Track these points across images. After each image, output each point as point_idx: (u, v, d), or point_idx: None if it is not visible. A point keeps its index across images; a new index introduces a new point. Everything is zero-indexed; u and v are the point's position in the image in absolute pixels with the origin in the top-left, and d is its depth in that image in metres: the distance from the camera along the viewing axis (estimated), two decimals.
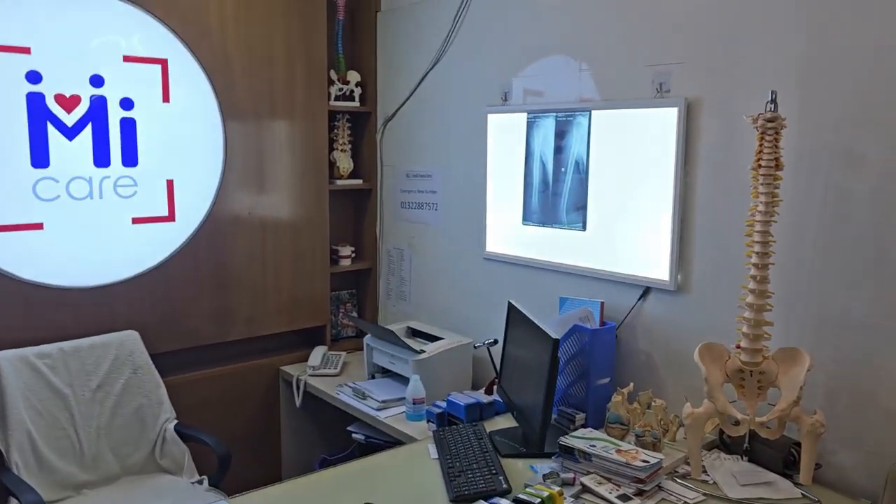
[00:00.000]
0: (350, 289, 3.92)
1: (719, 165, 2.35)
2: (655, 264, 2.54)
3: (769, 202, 2.01)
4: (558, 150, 2.82)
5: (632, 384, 2.47)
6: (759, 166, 2.02)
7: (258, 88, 3.27)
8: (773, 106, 2.02)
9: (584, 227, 2.76)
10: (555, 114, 2.82)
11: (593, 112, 2.69)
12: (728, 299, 2.35)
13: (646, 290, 2.59)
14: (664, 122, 2.48)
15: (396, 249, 3.72)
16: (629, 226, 2.61)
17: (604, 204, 2.69)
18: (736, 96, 2.29)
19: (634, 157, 2.57)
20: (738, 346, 2.10)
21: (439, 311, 3.49)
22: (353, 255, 3.85)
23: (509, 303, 2.66)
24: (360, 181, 3.77)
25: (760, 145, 2.03)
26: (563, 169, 2.82)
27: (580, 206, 2.76)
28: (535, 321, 2.29)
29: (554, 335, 2.13)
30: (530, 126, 2.92)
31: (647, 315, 2.60)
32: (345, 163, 3.73)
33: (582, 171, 2.75)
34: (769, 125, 2.00)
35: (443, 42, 3.32)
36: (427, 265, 3.55)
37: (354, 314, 3.91)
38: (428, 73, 3.42)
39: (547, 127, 2.86)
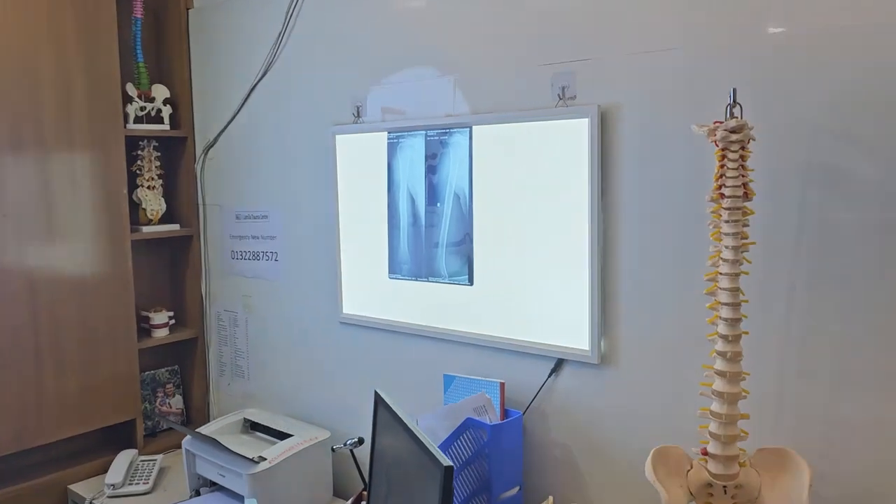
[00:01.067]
0: (170, 365, 3.02)
1: (653, 195, 1.74)
2: (570, 328, 1.89)
3: (737, 246, 1.40)
4: (431, 178, 2.13)
5: (550, 498, 1.79)
6: (722, 196, 1.41)
7: (16, 111, 2.36)
8: (736, 110, 1.43)
9: (470, 281, 2.08)
10: (424, 132, 2.13)
11: (475, 128, 2.03)
12: (671, 372, 1.73)
13: (558, 362, 1.93)
14: (572, 138, 1.84)
15: (228, 312, 2.88)
16: (532, 277, 1.95)
17: (496, 249, 2.02)
18: (671, 100, 1.69)
19: (535, 185, 1.92)
20: (705, 452, 1.47)
21: (287, 392, 2.69)
22: (172, 321, 2.96)
23: (376, 394, 1.91)
24: (175, 226, 2.91)
25: (721, 166, 1.42)
26: (437, 204, 2.12)
27: (464, 253, 2.08)
28: (415, 431, 1.56)
29: (445, 461, 1.41)
30: (392, 149, 2.22)
31: (563, 395, 1.94)
32: (154, 203, 2.86)
33: (464, 206, 2.07)
34: (733, 138, 1.39)
35: (273, 45, 2.56)
36: (269, 332, 2.74)
37: (179, 398, 3.02)
38: (256, 84, 2.64)
39: (414, 149, 2.16)
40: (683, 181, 1.69)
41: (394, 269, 2.25)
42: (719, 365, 1.42)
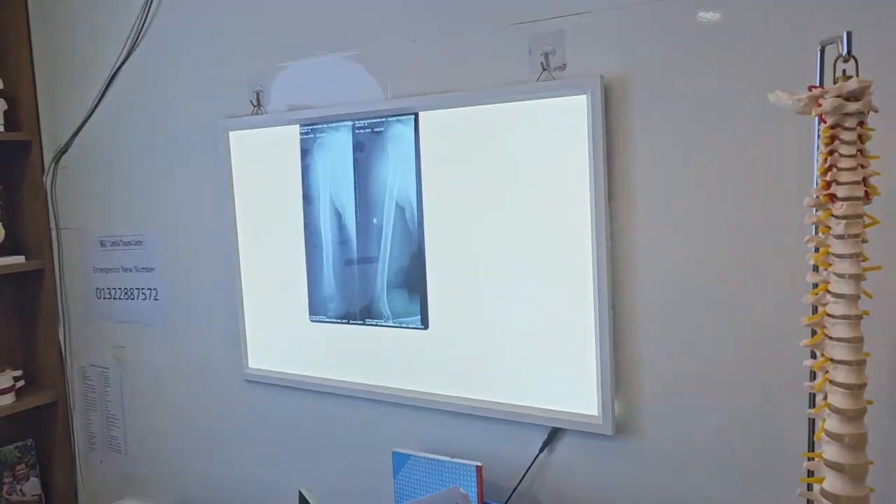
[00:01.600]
0: (21, 440, 2.32)
1: (682, 197, 1.24)
2: (569, 385, 1.37)
3: (857, 274, 0.91)
4: (363, 185, 1.57)
5: None
6: (833, 199, 0.92)
7: None
8: (850, 67, 0.94)
9: (423, 323, 1.52)
10: (350, 122, 1.57)
11: (422, 115, 1.48)
12: (719, 441, 1.24)
13: (554, 432, 1.41)
14: (562, 122, 1.33)
15: (97, 368, 2.21)
16: (512, 314, 1.42)
17: (459, 277, 1.47)
18: (707, 63, 1.20)
19: (511, 188, 1.39)
20: None
21: (176, 472, 2.05)
22: (21, 383, 2.26)
23: (301, 498, 1.33)
24: (20, 259, 2.21)
25: (830, 153, 0.93)
26: (373, 219, 1.56)
27: (414, 285, 1.52)
28: None
29: None
30: (308, 146, 1.64)
31: (561, 477, 1.41)
32: None
33: (411, 221, 1.51)
34: (850, 108, 0.90)
35: (139, 17, 1.93)
36: (150, 393, 2.09)
37: (35, 481, 2.31)
38: (117, 71, 2.00)
39: (338, 146, 1.59)
40: (728, 176, 1.20)
41: (316, 309, 1.67)
42: (830, 454, 0.93)
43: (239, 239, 1.79)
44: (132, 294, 2.07)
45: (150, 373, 2.07)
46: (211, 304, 1.89)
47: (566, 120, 1.32)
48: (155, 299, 2.03)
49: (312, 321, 1.68)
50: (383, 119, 1.52)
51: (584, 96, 1.30)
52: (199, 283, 1.91)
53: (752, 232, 1.19)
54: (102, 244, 2.13)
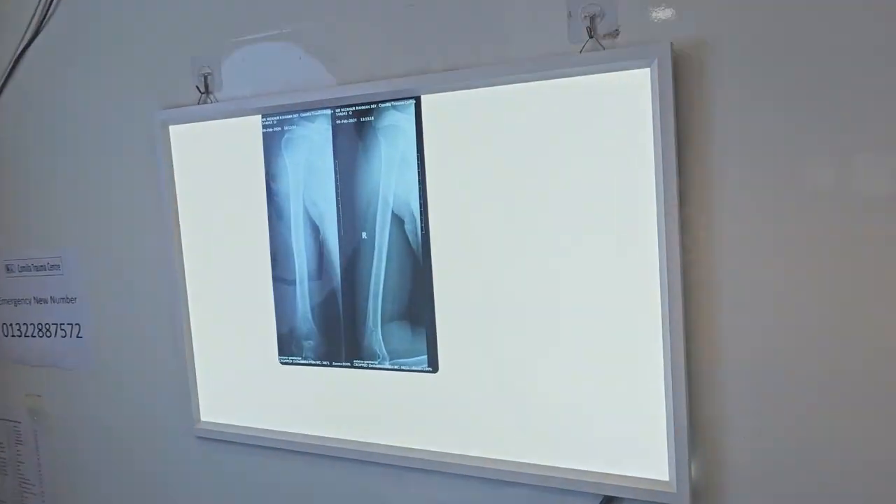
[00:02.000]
0: None
1: (785, 198, 0.95)
2: (627, 442, 1.07)
3: None
4: (348, 190, 1.23)
5: None
6: None
7: None
8: None
9: (431, 365, 1.20)
10: (329, 110, 1.23)
11: (425, 99, 1.15)
12: None
13: (606, 502, 1.10)
14: (615, 107, 1.02)
15: (6, 423, 1.80)
16: (547, 351, 1.10)
17: (476, 306, 1.15)
18: (834, 22, 0.91)
19: (544, 191, 1.08)
20: None
21: None
22: None
23: None
24: None
25: None
26: (362, 233, 1.23)
27: (417, 317, 1.19)
28: None
29: None
30: (273, 142, 1.29)
31: None
32: None
33: (413, 235, 1.18)
34: None
35: None
36: (74, 453, 1.69)
37: None
38: (21, 55, 1.61)
39: (313, 142, 1.25)
40: (847, 176, 0.92)
41: (288, 349, 1.32)
42: None
43: (185, 261, 1.42)
44: (49, 331, 1.68)
45: (74, 428, 1.67)
46: (151, 342, 1.52)
47: (621, 102, 1.02)
48: (78, 336, 1.64)
49: (283, 363, 1.33)
50: (374, 105, 1.19)
51: (647, 70, 1.00)
52: (135, 316, 1.53)
53: (876, 251, 0.91)
54: (9, 269, 1.72)
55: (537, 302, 1.10)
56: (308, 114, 1.25)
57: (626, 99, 1.02)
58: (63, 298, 1.65)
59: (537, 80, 1.06)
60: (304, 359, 1.31)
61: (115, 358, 1.58)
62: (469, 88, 1.11)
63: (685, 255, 1.01)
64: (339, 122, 1.22)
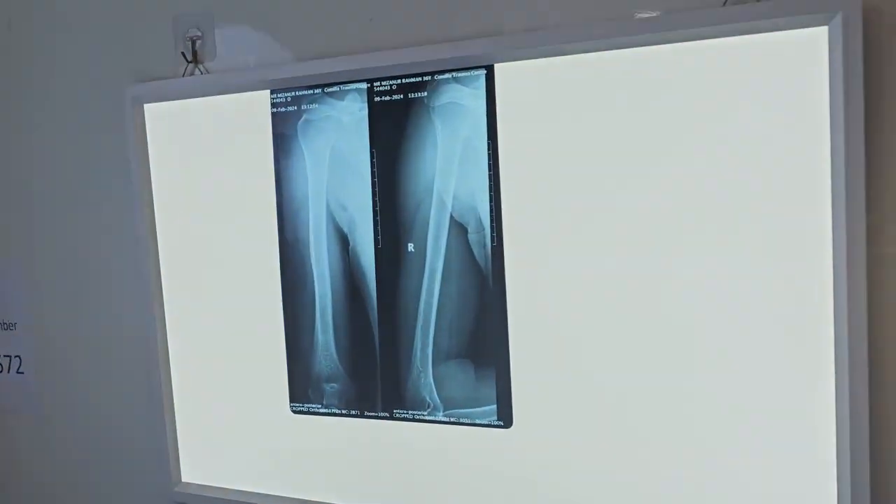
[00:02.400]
0: None
1: None
2: None
3: None
4: (388, 188, 0.94)
5: None
6: None
7: None
8: None
9: (503, 419, 0.91)
10: (365, 83, 0.93)
11: (499, 68, 0.87)
12: None
13: None
14: (775, 76, 0.76)
15: None
16: (670, 405, 0.83)
17: (568, 340, 0.87)
18: None
19: (671, 185, 0.81)
20: None
21: None
22: None
23: None
24: None
25: None
26: (408, 245, 0.93)
27: (484, 354, 0.91)
28: None
29: None
30: (286, 128, 0.99)
31: None
32: None
33: (479, 246, 0.90)
34: None
35: None
36: None
37: None
38: None
39: (342, 126, 0.95)
40: None
41: (303, 394, 1.02)
42: None
43: (163, 278, 1.11)
44: None
45: (11, 485, 1.33)
46: (116, 379, 1.19)
47: (784, 70, 0.76)
48: (18, 372, 1.30)
49: (296, 412, 1.03)
50: (427, 77, 0.90)
51: (823, 28, 0.74)
52: (95, 346, 1.21)
53: None
54: None
55: (653, 334, 0.83)
56: (335, 88, 0.95)
57: (793, 68, 0.76)
58: (4, 325, 1.30)
59: (660, 42, 0.80)
60: (326, 407, 1.01)
61: (64, 398, 1.25)
62: (561, 55, 0.84)
63: (871, 275, 0.75)
64: (378, 99, 0.93)
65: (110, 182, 1.14)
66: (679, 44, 0.79)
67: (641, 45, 0.80)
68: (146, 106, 1.08)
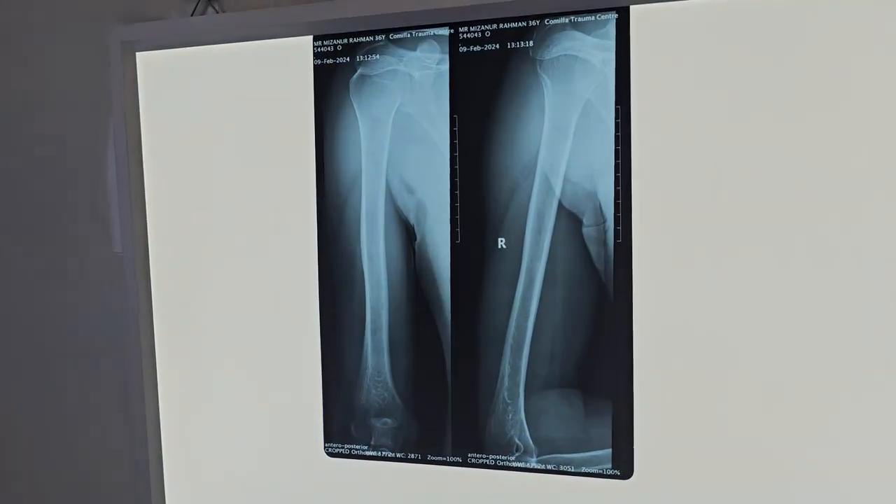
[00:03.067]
0: None
1: None
2: None
3: None
4: (473, 166, 0.72)
5: None
6: None
7: None
8: None
9: (620, 466, 0.70)
10: (447, 29, 0.71)
11: (635, 10, 0.66)
12: None
13: None
14: None
15: None
16: (851, 447, 0.64)
17: (709, 369, 0.67)
18: None
19: (868, 166, 0.62)
20: None
21: None
22: None
23: None
24: None
25: None
26: (498, 241, 0.72)
27: (596, 385, 0.70)
28: None
29: None
30: (335, 85, 0.76)
31: None
32: None
33: (597, 245, 0.69)
34: None
35: None
36: None
37: None
38: None
39: (412, 84, 0.73)
40: None
41: (343, 431, 0.79)
42: None
43: (153, 280, 0.86)
44: None
45: None
46: (83, 402, 0.93)
47: None
48: None
49: (333, 454, 0.80)
50: (536, 21, 0.69)
51: None
52: (58, 360, 0.94)
53: None
54: None
55: (827, 366, 0.64)
56: (404, 34, 0.73)
57: None
58: None
59: None
60: (374, 448, 0.78)
61: (16, 425, 0.98)
62: None
63: None
64: (464, 49, 0.71)
65: (90, 146, 0.88)
66: None
67: None
68: (139, 55, 0.83)
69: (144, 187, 0.84)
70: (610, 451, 0.71)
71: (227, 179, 0.81)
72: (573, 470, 0.72)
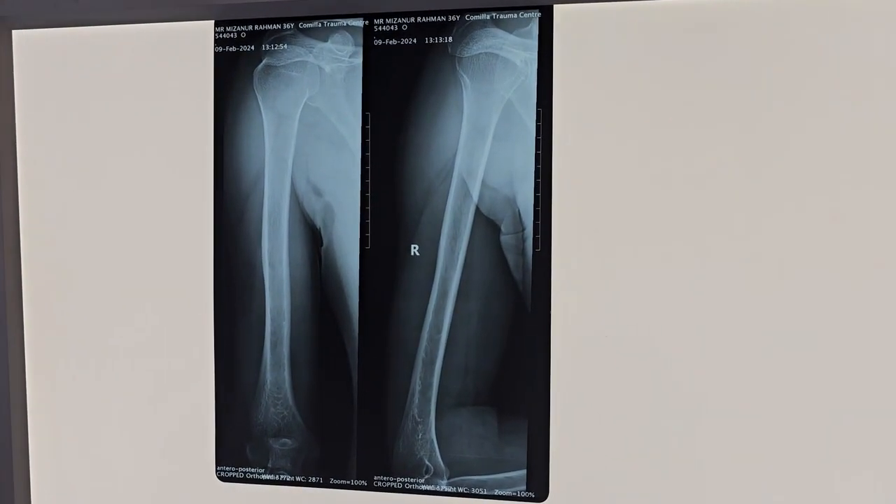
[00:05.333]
0: None
1: None
2: None
3: None
4: (384, 167, 0.67)
5: None
6: None
7: None
8: None
9: (534, 489, 0.67)
10: (360, 20, 0.67)
11: (559, 9, 0.64)
12: None
13: None
14: None
15: None
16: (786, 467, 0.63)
17: (631, 384, 0.65)
18: None
19: (790, 168, 0.61)
20: None
21: None
22: None
23: None
24: None
25: None
26: (411, 248, 0.67)
27: (511, 401, 0.66)
28: None
29: None
30: (238, 75, 0.70)
31: None
32: None
33: (516, 255, 0.65)
34: None
35: None
36: None
37: None
38: None
39: (322, 78, 0.68)
40: None
41: (237, 453, 0.72)
42: None
43: (25, 286, 0.76)
44: None
45: None
46: None
47: None
48: None
49: (225, 478, 0.72)
50: (456, 16, 0.65)
51: None
52: None
53: None
54: None
55: (756, 385, 0.62)
56: (315, 24, 0.68)
57: None
58: None
59: None
60: (272, 472, 0.71)
61: None
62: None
63: None
64: (379, 42, 0.67)
65: None
66: None
67: None
68: (15, 32, 0.74)
69: (17, 180, 0.75)
70: (524, 472, 0.67)
71: (113, 175, 0.73)
72: (486, 493, 0.67)
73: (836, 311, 0.61)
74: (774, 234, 0.61)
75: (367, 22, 0.67)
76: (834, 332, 0.61)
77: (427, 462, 0.68)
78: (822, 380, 0.61)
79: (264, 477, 0.71)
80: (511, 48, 0.65)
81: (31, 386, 0.77)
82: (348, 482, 0.70)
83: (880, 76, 0.59)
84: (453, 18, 0.65)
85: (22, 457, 0.77)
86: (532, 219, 0.65)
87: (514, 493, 0.67)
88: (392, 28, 0.66)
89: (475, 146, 0.65)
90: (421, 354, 0.68)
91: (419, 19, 0.66)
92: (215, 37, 0.70)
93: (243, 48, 0.69)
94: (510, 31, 0.64)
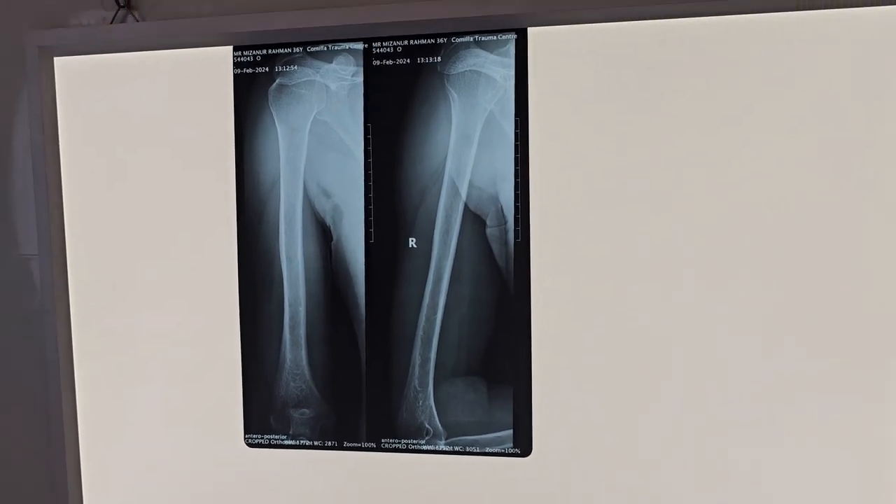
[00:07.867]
0: None
1: None
2: None
3: None
4: (384, 172, 0.77)
5: None
6: None
7: None
8: None
9: (520, 445, 0.77)
10: (361, 44, 0.77)
11: (532, 32, 0.74)
12: None
13: None
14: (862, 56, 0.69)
15: None
16: (732, 428, 0.73)
17: (600, 356, 0.75)
18: None
19: (742, 177, 0.71)
20: None
21: None
22: None
23: None
24: None
25: None
26: (409, 241, 0.78)
27: (498, 371, 0.77)
28: None
29: None
30: (255, 93, 0.80)
31: None
32: None
33: (499, 244, 0.76)
34: None
35: None
36: None
37: None
38: None
39: (329, 95, 0.78)
40: None
41: (263, 422, 0.83)
42: None
43: (70, 281, 0.87)
44: None
45: None
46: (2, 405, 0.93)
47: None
48: None
49: (253, 444, 0.83)
50: (444, 39, 0.75)
51: None
52: None
53: None
54: None
55: (707, 357, 0.73)
56: (321, 48, 0.78)
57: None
58: None
59: (729, 13, 0.70)
60: (293, 438, 0.82)
61: None
62: (610, 21, 0.72)
63: None
64: (377, 62, 0.77)
65: (4, 159, 0.89)
66: (753, 15, 0.69)
67: (708, 15, 0.70)
68: (57, 59, 0.85)
69: (62, 191, 0.86)
70: (511, 431, 0.78)
71: (147, 183, 0.83)
72: (478, 450, 0.78)
73: (788, 296, 0.71)
74: (740, 228, 0.71)
75: (366, 45, 0.77)
76: (788, 313, 0.71)
77: (427, 425, 0.79)
78: (777, 348, 0.72)
79: (287, 443, 0.82)
80: (492, 66, 0.75)
81: (78, 367, 0.87)
82: (359, 445, 0.81)
83: (822, 86, 0.69)
84: (441, 41, 0.75)
85: (72, 430, 0.88)
86: (513, 213, 0.75)
87: (503, 450, 0.78)
88: (388, 50, 0.76)
89: (462, 152, 0.76)
90: (420, 333, 0.78)
91: (412, 42, 0.76)
92: (234, 60, 0.80)
93: (259, 70, 0.79)
94: (491, 51, 0.74)
